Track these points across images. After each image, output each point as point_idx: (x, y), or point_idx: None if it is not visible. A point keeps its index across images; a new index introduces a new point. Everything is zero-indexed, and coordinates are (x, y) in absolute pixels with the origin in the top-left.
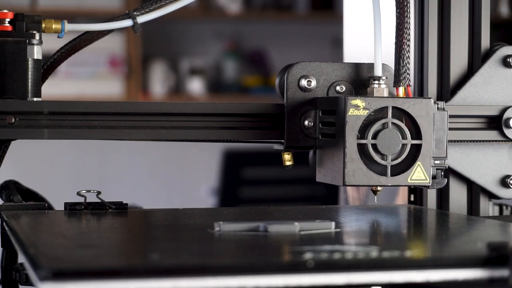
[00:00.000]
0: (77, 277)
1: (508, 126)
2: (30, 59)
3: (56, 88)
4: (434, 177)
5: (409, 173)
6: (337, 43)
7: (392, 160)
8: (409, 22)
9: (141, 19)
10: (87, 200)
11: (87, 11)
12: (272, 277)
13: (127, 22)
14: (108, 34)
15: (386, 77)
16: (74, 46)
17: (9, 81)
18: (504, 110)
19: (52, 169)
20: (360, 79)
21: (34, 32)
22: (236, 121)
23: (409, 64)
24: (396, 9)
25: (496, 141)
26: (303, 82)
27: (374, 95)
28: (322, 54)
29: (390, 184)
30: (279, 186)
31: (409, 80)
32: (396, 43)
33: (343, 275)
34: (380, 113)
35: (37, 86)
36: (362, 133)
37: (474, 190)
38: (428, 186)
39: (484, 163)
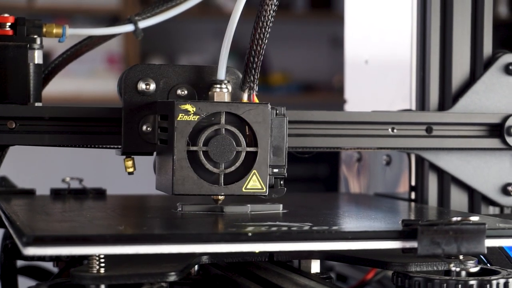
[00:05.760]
0: (54, 243)
1: (509, 134)
2: (31, 63)
3: (53, 85)
4: (272, 186)
5: (244, 181)
6: (336, 42)
7: (226, 168)
8: (265, 28)
9: (142, 24)
10: (71, 187)
11: (85, 10)
12: (217, 245)
13: (129, 27)
14: (109, 39)
15: (228, 81)
16: (75, 52)
17: (9, 86)
18: (506, 118)
19: (44, 167)
20: (204, 83)
21: (35, 36)
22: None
23: (256, 69)
24: (257, 15)
25: (497, 149)
26: (142, 85)
27: (215, 100)
28: (320, 53)
29: (223, 193)
30: None
31: (256, 86)
32: (249, 46)
33: (277, 244)
34: (215, 119)
35: (38, 91)
36: (194, 139)
37: (475, 198)
38: (265, 195)
39: (486, 171)
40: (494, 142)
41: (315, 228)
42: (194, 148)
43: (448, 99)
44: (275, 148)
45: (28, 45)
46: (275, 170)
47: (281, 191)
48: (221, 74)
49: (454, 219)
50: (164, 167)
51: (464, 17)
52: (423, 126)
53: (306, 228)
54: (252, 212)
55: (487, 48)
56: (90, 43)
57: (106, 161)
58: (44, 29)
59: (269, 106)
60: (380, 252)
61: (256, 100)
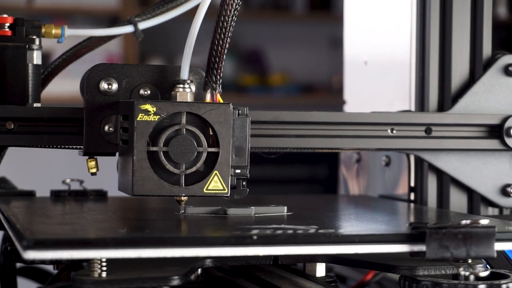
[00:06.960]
0: (55, 246)
1: (509, 135)
2: (30, 64)
3: (52, 86)
4: (234, 187)
5: (205, 182)
6: (335, 43)
7: (187, 169)
8: (227, 26)
9: (143, 25)
10: (71, 188)
11: (84, 10)
12: (222, 248)
13: (129, 28)
14: (109, 40)
15: (192, 81)
16: (75, 53)
17: (8, 87)
18: (505, 119)
19: (44, 168)
20: (167, 82)
21: (34, 37)
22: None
23: (218, 70)
24: (217, 15)
25: (497, 150)
26: (104, 85)
27: (177, 100)
28: (320, 54)
29: (183, 194)
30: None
31: (219, 86)
32: (210, 46)
33: (283, 248)
34: (176, 119)
35: (37, 92)
36: (155, 140)
37: (475, 199)
38: (227, 196)
39: (485, 171)
40: (493, 143)
41: (321, 231)
42: (155, 149)
43: (447, 100)
44: (237, 148)
45: (27, 46)
46: (237, 171)
47: (243, 192)
48: (184, 74)
49: (463, 222)
50: (125, 168)
51: (464, 17)
52: (423, 127)
53: (312, 231)
54: (256, 215)
55: (487, 49)
56: (90, 44)
57: (107, 162)
58: (43, 30)
59: (231, 106)
60: (387, 256)
61: (220, 100)
